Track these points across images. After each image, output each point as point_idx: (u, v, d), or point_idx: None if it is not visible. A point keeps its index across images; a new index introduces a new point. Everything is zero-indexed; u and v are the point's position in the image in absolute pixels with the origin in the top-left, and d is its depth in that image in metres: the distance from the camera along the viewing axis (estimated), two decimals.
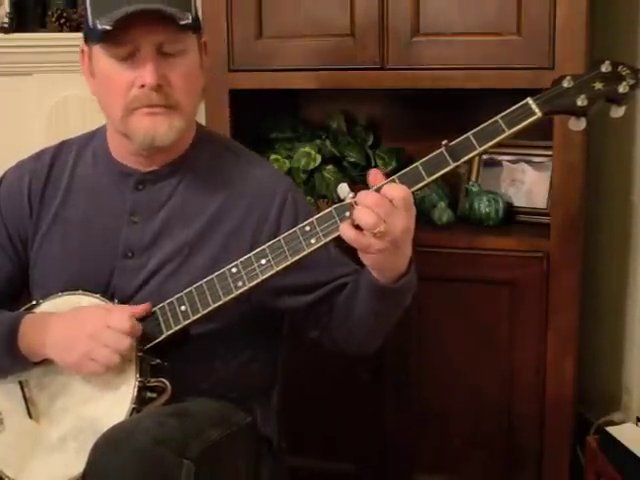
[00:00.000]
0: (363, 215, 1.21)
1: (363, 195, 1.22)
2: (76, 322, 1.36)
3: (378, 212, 1.20)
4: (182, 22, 1.33)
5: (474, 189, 2.10)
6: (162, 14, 1.32)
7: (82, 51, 1.44)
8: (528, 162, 2.14)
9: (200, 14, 2.06)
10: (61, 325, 1.37)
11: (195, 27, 1.40)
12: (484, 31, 1.91)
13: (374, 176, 1.26)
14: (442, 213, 2.07)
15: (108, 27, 1.31)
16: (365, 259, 1.28)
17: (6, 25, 2.39)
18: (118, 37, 1.33)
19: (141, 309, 1.37)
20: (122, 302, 1.42)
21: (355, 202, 1.23)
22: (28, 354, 1.40)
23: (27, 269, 1.53)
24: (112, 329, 1.32)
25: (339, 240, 1.28)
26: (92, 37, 1.37)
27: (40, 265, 1.51)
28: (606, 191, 2.24)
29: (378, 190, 1.23)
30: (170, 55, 1.37)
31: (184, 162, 1.48)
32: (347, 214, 1.27)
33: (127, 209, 1.47)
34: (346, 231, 1.23)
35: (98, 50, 1.38)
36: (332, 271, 1.45)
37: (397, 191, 1.22)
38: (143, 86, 1.35)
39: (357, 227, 1.23)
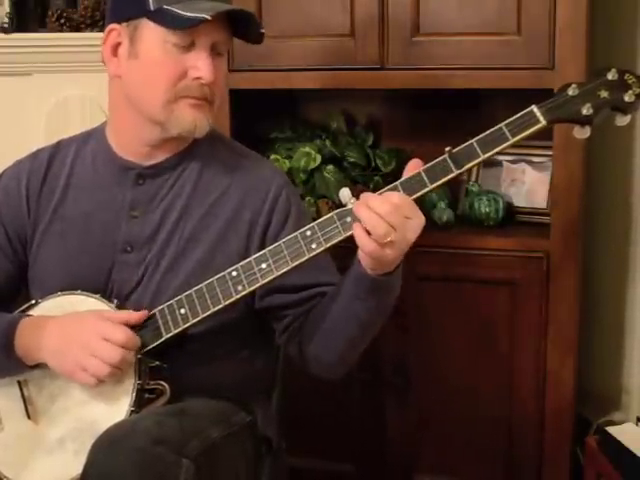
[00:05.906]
0: (375, 225, 1.20)
1: (376, 203, 1.21)
2: (72, 330, 1.35)
3: (390, 221, 1.20)
4: (262, 29, 1.42)
5: (474, 189, 2.10)
6: (253, 19, 1.40)
7: (110, 31, 1.41)
8: (528, 162, 2.14)
9: None
10: (58, 331, 1.36)
11: None
12: (484, 31, 1.91)
13: (414, 166, 1.27)
14: (442, 213, 2.07)
15: (208, 17, 1.32)
16: (369, 263, 1.26)
17: (6, 25, 2.38)
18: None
19: (137, 316, 1.36)
20: (122, 298, 1.43)
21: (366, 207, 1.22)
22: (24, 357, 1.39)
23: (26, 269, 1.52)
24: (107, 341, 1.32)
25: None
26: (157, 19, 1.36)
27: (39, 264, 1.50)
28: (606, 191, 2.23)
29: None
30: (218, 55, 1.42)
31: (184, 157, 1.48)
32: (348, 219, 1.27)
33: (127, 203, 1.47)
34: (366, 244, 1.21)
35: (156, 34, 1.37)
36: (317, 276, 1.44)
37: (400, 199, 1.22)
38: (198, 78, 1.38)
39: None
